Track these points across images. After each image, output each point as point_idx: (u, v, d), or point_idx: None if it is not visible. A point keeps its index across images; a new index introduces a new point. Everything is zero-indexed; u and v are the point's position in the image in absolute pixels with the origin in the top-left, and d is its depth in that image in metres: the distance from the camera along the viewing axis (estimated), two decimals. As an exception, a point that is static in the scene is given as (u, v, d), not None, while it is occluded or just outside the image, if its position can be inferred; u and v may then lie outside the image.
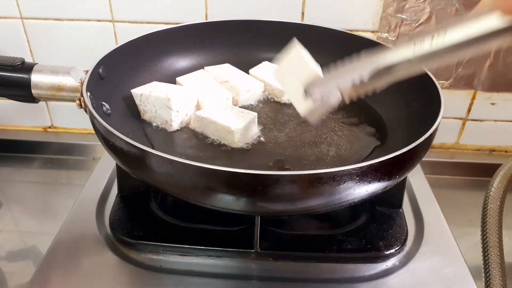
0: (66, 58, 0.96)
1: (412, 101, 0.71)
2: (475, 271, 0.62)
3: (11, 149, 1.03)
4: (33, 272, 0.61)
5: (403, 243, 0.65)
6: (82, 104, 0.64)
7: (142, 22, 0.92)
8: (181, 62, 0.84)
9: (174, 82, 0.76)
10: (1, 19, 0.92)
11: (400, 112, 0.72)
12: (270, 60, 0.83)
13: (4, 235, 0.81)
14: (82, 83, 0.64)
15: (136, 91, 0.70)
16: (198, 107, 0.72)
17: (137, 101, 0.71)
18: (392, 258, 0.63)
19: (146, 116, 0.71)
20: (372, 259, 0.63)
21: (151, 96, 0.69)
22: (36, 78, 0.66)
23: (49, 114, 1.04)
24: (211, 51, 0.85)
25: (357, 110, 0.75)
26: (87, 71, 0.65)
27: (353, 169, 0.47)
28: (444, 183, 0.98)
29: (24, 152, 1.03)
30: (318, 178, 0.47)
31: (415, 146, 0.51)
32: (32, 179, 0.98)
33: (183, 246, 0.63)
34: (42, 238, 0.80)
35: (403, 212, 0.70)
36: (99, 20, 0.92)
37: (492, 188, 0.67)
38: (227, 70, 0.80)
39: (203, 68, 0.81)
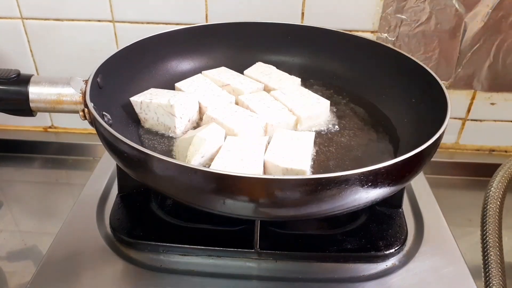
0: (66, 58, 0.96)
1: (416, 100, 0.71)
2: (475, 271, 0.62)
3: (11, 149, 1.03)
4: (34, 272, 0.61)
5: (403, 243, 0.65)
6: (87, 115, 0.61)
7: (142, 23, 0.92)
8: (177, 67, 0.83)
9: (170, 87, 0.75)
10: (1, 19, 0.92)
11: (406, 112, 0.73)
12: (264, 61, 0.83)
13: (4, 235, 0.81)
14: (83, 94, 0.61)
15: (135, 99, 0.69)
16: (200, 112, 0.72)
17: (137, 109, 0.70)
18: (392, 258, 0.63)
19: (147, 124, 0.70)
20: (372, 259, 0.63)
21: (152, 103, 0.67)
22: (34, 90, 0.62)
23: (50, 114, 1.04)
24: (207, 55, 0.85)
25: (364, 112, 0.76)
26: (86, 81, 0.63)
27: (361, 173, 0.47)
28: (443, 183, 0.98)
29: (25, 152, 1.03)
30: (324, 182, 0.46)
31: (424, 148, 0.51)
32: (32, 179, 0.98)
33: (183, 246, 0.63)
34: (42, 238, 0.80)
35: (402, 212, 0.70)
36: (99, 20, 0.92)
37: (492, 188, 0.67)
38: (225, 73, 0.80)
39: (199, 72, 0.80)
